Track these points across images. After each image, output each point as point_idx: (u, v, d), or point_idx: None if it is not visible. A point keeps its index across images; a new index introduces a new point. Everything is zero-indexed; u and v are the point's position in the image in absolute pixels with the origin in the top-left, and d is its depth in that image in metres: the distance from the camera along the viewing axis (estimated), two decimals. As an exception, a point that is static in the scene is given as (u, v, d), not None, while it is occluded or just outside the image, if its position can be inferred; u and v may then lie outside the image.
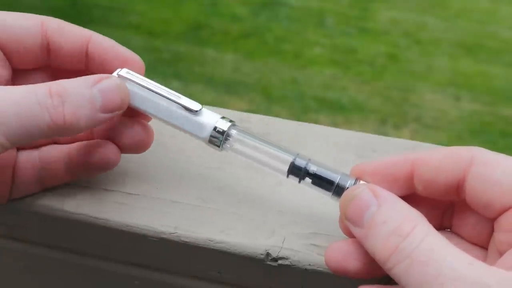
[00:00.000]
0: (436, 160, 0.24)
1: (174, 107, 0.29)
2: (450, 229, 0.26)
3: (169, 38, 2.17)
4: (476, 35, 2.32)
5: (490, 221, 0.24)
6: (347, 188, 0.26)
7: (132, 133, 0.29)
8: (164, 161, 0.33)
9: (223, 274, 0.30)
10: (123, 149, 0.30)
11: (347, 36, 2.28)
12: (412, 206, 0.24)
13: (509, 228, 0.22)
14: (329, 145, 0.35)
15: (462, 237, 0.25)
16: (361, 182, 0.26)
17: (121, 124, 0.29)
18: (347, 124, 1.77)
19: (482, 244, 0.25)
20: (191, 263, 0.30)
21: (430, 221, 0.23)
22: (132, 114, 0.30)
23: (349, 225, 0.24)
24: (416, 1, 2.59)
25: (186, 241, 0.29)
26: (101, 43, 0.30)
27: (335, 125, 1.70)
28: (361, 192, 0.24)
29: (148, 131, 0.30)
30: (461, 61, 2.16)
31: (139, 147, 0.30)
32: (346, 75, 2.03)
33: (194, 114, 0.28)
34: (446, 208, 0.26)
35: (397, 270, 0.21)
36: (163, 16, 2.31)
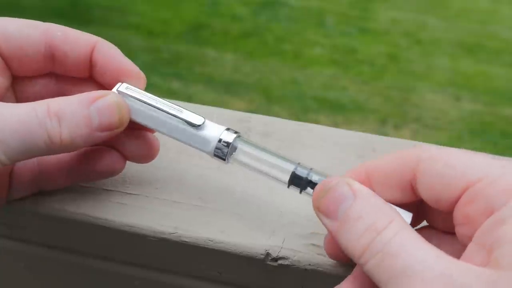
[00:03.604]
0: (385, 164, 0.25)
1: (176, 122, 0.28)
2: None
3: (169, 38, 2.17)
4: (476, 35, 2.32)
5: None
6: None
7: (136, 146, 0.29)
8: (164, 161, 0.33)
9: (223, 274, 0.30)
10: (126, 159, 0.30)
11: (347, 36, 2.28)
12: None
13: (462, 221, 0.22)
14: (329, 145, 0.35)
15: (440, 231, 0.26)
16: None
17: (125, 136, 0.29)
18: (347, 124, 1.77)
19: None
20: (191, 263, 0.30)
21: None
22: (137, 126, 0.29)
23: (321, 217, 0.24)
24: (416, 1, 2.59)
25: (186, 241, 0.29)
26: (105, 51, 0.29)
27: (335, 125, 1.70)
28: (337, 184, 0.23)
29: (152, 144, 0.30)
30: (461, 61, 2.16)
31: (143, 158, 0.30)
32: (346, 75, 2.03)
33: (196, 128, 0.28)
34: (417, 208, 0.26)
35: (370, 265, 0.21)
36: (163, 16, 2.31)
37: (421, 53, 2.19)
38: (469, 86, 2.02)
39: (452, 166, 0.23)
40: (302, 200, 0.30)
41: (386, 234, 0.21)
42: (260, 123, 0.36)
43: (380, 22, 2.40)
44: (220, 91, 1.90)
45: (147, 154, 0.30)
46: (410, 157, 0.24)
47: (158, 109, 0.28)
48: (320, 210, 0.24)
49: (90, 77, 0.30)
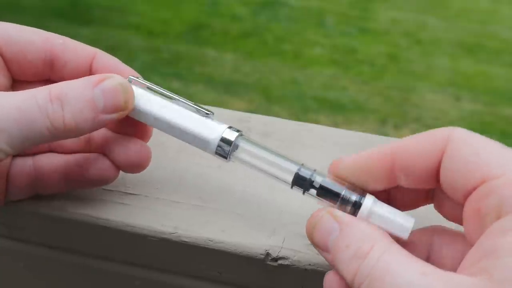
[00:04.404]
0: (414, 144, 0.24)
1: (183, 108, 0.28)
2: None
3: (169, 38, 2.17)
4: (476, 35, 2.32)
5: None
6: (353, 200, 0.25)
7: (126, 153, 0.29)
8: (164, 160, 0.33)
9: (223, 274, 0.30)
10: (118, 167, 0.29)
11: (347, 36, 2.28)
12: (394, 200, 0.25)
13: (472, 215, 0.22)
14: (329, 145, 0.35)
15: (443, 232, 0.25)
16: (367, 196, 0.25)
17: (117, 142, 0.29)
18: (347, 124, 1.77)
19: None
20: (191, 263, 0.30)
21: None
22: (130, 133, 0.29)
23: (319, 251, 0.24)
24: (416, 1, 2.60)
25: (186, 241, 0.29)
26: (104, 61, 0.29)
27: (335, 125, 1.70)
28: (322, 218, 0.24)
29: (144, 152, 0.29)
30: (461, 61, 2.16)
31: (135, 167, 0.29)
32: (346, 75, 2.03)
33: (204, 116, 0.28)
34: (426, 196, 0.26)
35: None
36: (163, 16, 2.31)
37: (421, 53, 2.20)
38: (469, 86, 2.02)
39: (478, 154, 0.22)
40: (303, 200, 0.30)
41: (371, 258, 0.21)
42: (260, 123, 0.36)
43: (380, 22, 2.40)
44: (220, 91, 1.90)
45: (137, 161, 0.29)
46: (439, 138, 0.23)
47: (166, 96, 0.28)
48: (315, 245, 0.24)
49: None
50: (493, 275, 0.19)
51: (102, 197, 0.31)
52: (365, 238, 0.22)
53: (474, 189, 0.22)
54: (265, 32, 2.27)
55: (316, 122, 1.72)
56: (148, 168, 0.32)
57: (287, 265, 0.28)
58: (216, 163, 0.33)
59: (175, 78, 1.92)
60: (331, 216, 0.24)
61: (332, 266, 0.24)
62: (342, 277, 0.24)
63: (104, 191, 0.31)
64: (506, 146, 0.23)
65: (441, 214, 0.26)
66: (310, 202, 0.30)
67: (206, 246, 0.28)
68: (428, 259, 0.25)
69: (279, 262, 0.28)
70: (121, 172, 0.31)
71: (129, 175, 0.32)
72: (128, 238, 0.30)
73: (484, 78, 2.07)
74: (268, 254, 0.28)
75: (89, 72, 0.29)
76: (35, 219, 0.31)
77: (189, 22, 2.30)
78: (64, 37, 0.30)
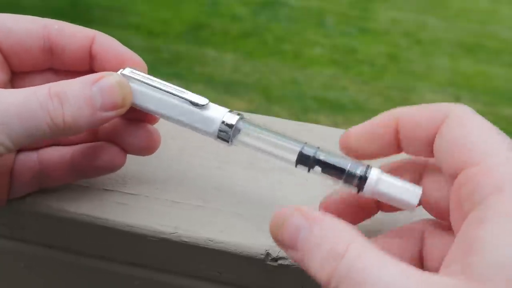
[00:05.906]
0: (417, 114, 0.24)
1: (180, 103, 0.28)
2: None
3: (169, 38, 2.17)
4: (476, 35, 2.32)
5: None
6: (358, 175, 0.25)
7: (136, 137, 0.29)
8: (165, 161, 0.33)
9: (223, 274, 0.30)
10: (128, 152, 0.30)
11: (347, 36, 2.28)
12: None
13: (454, 205, 0.22)
14: (329, 145, 0.35)
15: (434, 225, 0.25)
16: (372, 169, 0.25)
17: (125, 128, 0.29)
18: (347, 124, 1.76)
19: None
20: (191, 263, 0.30)
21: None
22: (138, 118, 0.30)
23: (283, 249, 0.23)
24: (416, 1, 2.60)
25: (186, 241, 0.29)
26: (104, 43, 0.29)
27: (335, 125, 1.70)
28: (291, 216, 0.23)
29: (153, 136, 0.30)
30: (461, 61, 2.16)
31: (144, 150, 0.30)
32: (346, 75, 2.03)
33: (200, 108, 0.28)
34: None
35: None
36: (163, 16, 2.32)
37: (421, 53, 2.20)
38: (469, 86, 2.02)
39: (466, 137, 0.22)
40: (303, 199, 0.31)
41: (348, 259, 0.20)
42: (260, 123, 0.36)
43: (380, 22, 2.40)
44: (220, 91, 1.90)
45: (147, 145, 0.30)
46: (440, 112, 0.23)
47: (162, 90, 0.28)
48: (281, 244, 0.23)
49: (90, 70, 0.30)
50: (473, 275, 0.19)
51: (101, 197, 0.31)
52: (339, 236, 0.21)
53: (455, 175, 0.22)
54: (265, 32, 2.27)
55: (316, 122, 1.72)
56: (148, 168, 0.32)
57: (287, 265, 0.28)
58: (217, 163, 0.33)
59: (175, 78, 1.92)
60: (300, 213, 0.23)
61: (301, 265, 0.22)
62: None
63: (104, 191, 0.31)
64: (502, 133, 0.22)
65: (429, 211, 0.25)
66: (310, 202, 0.30)
67: (206, 246, 0.28)
68: (420, 252, 0.25)
69: (279, 262, 0.28)
70: (121, 172, 0.31)
71: (130, 175, 0.32)
72: (128, 238, 0.30)
73: (484, 78, 2.07)
74: (268, 254, 0.28)
75: (89, 55, 0.29)
76: (36, 220, 0.31)
77: (189, 22, 2.30)
78: (61, 22, 0.29)
